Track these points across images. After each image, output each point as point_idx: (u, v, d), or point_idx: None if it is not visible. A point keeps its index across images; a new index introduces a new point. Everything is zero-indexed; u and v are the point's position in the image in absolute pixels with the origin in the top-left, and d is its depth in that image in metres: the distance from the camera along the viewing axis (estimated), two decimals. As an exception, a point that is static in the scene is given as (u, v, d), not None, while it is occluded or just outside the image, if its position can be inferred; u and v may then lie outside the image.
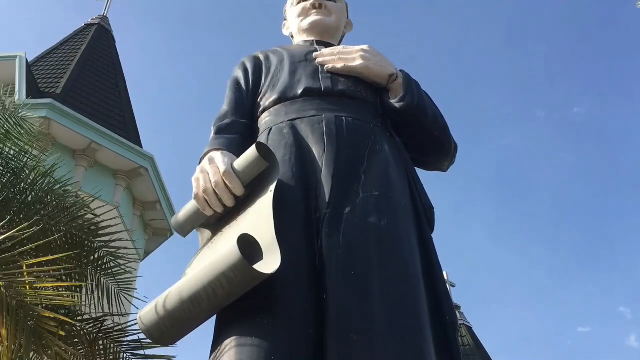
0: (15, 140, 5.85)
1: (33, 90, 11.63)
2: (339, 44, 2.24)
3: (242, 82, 1.98)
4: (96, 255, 5.76)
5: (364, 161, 1.65)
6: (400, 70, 1.93)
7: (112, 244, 5.88)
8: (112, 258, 5.84)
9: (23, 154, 5.89)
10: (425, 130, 1.86)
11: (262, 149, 1.53)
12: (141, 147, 12.74)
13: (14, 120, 6.02)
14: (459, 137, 1.97)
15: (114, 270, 5.88)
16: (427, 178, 2.00)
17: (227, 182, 1.53)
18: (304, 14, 2.20)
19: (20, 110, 6.20)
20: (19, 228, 4.40)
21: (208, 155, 1.65)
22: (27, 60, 12.03)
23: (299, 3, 2.25)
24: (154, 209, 12.65)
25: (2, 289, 3.89)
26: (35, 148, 6.10)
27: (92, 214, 6.01)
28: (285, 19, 2.37)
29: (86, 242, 5.64)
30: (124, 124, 12.98)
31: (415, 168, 1.88)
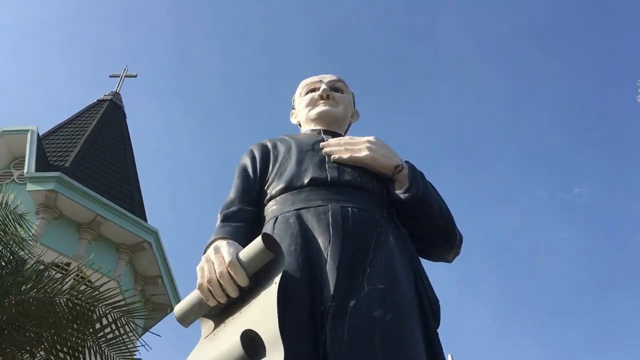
0: (12, 237, 5.98)
1: (42, 163, 11.81)
2: (345, 134, 2.29)
3: (250, 169, 2.01)
4: (99, 324, 5.72)
5: (369, 253, 1.65)
6: (406, 162, 1.96)
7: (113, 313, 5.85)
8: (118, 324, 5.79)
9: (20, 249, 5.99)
10: (431, 222, 1.87)
11: (268, 240, 1.53)
12: (146, 221, 12.77)
13: (12, 216, 6.17)
14: (461, 217, 1.98)
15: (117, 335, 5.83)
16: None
17: (232, 273, 1.53)
18: (312, 104, 2.26)
19: (18, 207, 6.37)
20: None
21: (213, 245, 1.66)
22: (38, 134, 12.29)
23: (307, 93, 2.31)
24: (155, 284, 12.52)
25: None
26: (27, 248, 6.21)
27: (90, 284, 6.02)
28: (293, 108, 2.43)
29: (89, 309, 5.61)
30: (130, 197, 13.08)
31: (420, 258, 1.88)
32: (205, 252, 1.68)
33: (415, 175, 1.90)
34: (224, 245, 1.62)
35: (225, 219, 1.82)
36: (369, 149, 1.92)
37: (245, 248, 1.57)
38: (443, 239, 1.90)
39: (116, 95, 16.74)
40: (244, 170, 2.02)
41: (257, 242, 1.53)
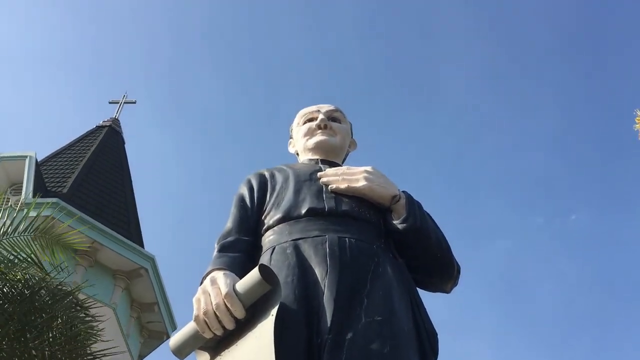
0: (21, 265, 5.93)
1: (40, 188, 11.79)
2: (343, 163, 2.30)
3: (247, 199, 2.01)
4: None
5: (366, 284, 1.64)
6: (403, 192, 1.96)
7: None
8: None
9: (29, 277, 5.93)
10: (428, 252, 1.86)
11: (265, 272, 1.52)
12: (143, 247, 12.70)
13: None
14: (458, 247, 1.97)
15: None
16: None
17: (229, 305, 1.52)
18: (310, 133, 2.27)
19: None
20: None
21: (210, 276, 1.65)
22: (36, 160, 12.29)
23: (305, 123, 2.32)
24: (151, 311, 12.39)
25: None
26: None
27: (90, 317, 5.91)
28: (291, 137, 2.44)
29: None
30: (127, 223, 13.03)
31: (418, 289, 1.86)
32: (201, 283, 1.67)
33: (413, 206, 1.90)
34: (220, 276, 1.61)
35: (222, 249, 1.81)
36: (366, 179, 1.92)
37: (242, 279, 1.56)
38: (440, 270, 1.90)
39: (115, 121, 16.77)
40: (242, 200, 2.02)
41: (253, 274, 1.52)
